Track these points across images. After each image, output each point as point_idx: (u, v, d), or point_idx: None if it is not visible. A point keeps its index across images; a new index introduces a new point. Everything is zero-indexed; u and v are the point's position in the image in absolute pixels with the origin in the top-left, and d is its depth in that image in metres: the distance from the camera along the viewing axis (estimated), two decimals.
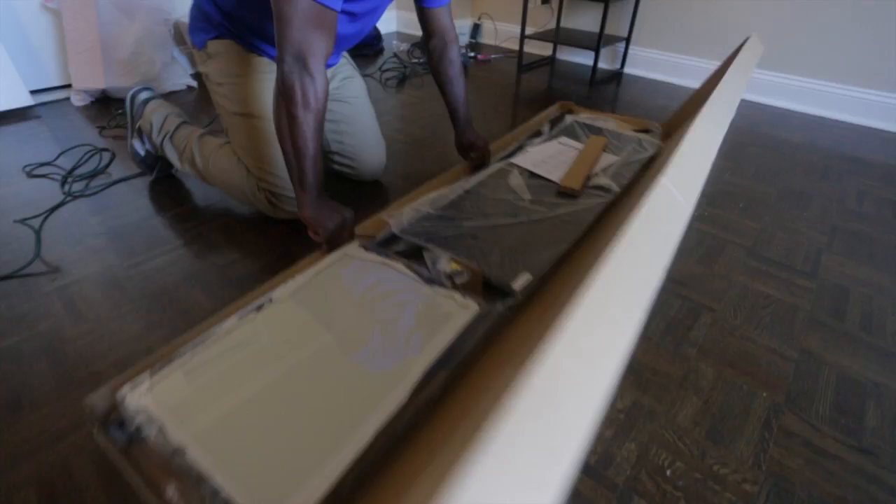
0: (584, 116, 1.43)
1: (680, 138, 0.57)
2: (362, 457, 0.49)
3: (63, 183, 1.23)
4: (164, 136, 1.13)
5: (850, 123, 1.69)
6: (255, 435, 0.51)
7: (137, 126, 1.19)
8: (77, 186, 1.22)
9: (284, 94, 0.74)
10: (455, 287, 0.72)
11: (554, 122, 1.42)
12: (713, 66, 1.96)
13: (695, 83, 2.04)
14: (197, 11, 0.98)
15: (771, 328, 0.82)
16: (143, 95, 1.20)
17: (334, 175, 1.24)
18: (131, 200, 1.17)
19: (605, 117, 1.43)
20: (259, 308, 0.67)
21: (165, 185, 1.24)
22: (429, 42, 1.05)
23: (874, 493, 0.58)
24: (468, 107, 1.09)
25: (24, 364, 0.74)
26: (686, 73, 2.05)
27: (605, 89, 2.00)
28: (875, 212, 1.16)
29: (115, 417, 0.52)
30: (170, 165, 1.24)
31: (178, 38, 2.01)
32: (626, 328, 0.35)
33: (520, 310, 0.69)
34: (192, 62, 2.10)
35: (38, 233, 1.04)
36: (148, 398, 0.53)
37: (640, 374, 0.73)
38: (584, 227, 0.89)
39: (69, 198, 1.17)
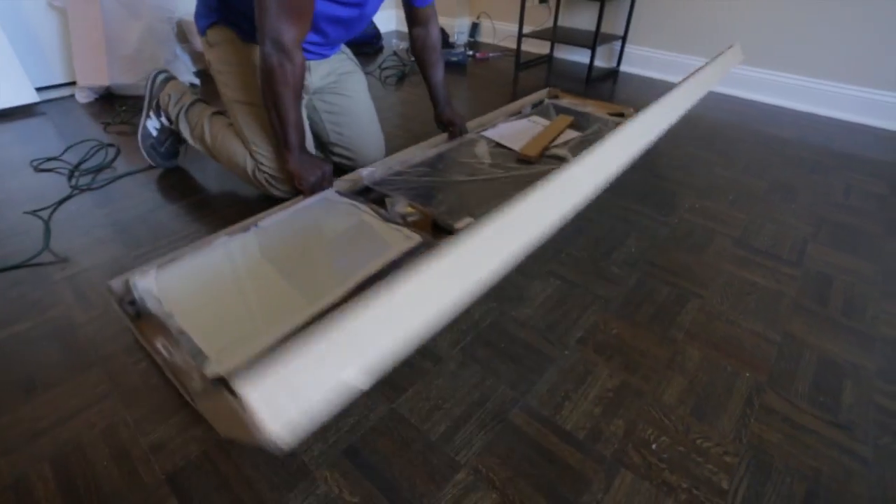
0: (565, 101, 1.54)
1: (611, 133, 0.71)
2: (296, 332, 0.67)
3: (70, 177, 1.26)
4: (181, 109, 1.18)
5: (840, 120, 1.72)
6: (223, 310, 0.71)
7: (156, 102, 1.23)
8: (84, 180, 1.25)
9: (266, 74, 0.87)
10: (406, 225, 0.88)
11: (536, 106, 1.52)
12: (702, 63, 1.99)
13: None
14: (200, 2, 1.04)
15: (756, 313, 0.85)
16: (164, 76, 1.25)
17: (334, 167, 1.27)
18: (137, 193, 1.20)
19: (584, 102, 1.53)
20: (246, 230, 0.88)
21: (171, 178, 1.27)
22: (412, 30, 1.16)
23: (847, 463, 0.61)
24: (447, 87, 1.23)
25: (37, 347, 0.77)
26: (681, 70, 2.08)
27: (601, 87, 2.03)
28: (861, 204, 1.19)
29: (128, 297, 0.74)
30: (180, 142, 1.29)
31: (181, 36, 2.04)
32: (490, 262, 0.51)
33: None
34: (195, 60, 2.13)
35: (47, 224, 1.06)
36: (153, 283, 0.75)
37: (628, 357, 0.76)
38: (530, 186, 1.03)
39: (76, 191, 1.20)
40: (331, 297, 0.72)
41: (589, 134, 1.29)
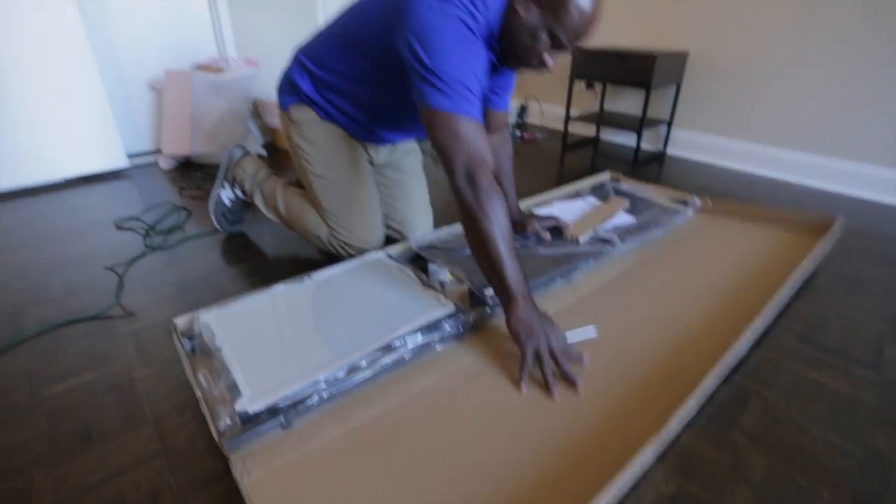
0: (626, 185, 1.56)
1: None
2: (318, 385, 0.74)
3: (145, 236, 1.37)
4: (256, 184, 1.29)
5: None
6: (266, 353, 0.80)
7: (231, 175, 1.34)
8: (157, 240, 1.36)
9: (466, 216, 0.80)
10: (444, 292, 0.95)
11: (596, 188, 1.55)
12: (756, 148, 1.99)
13: (737, 165, 2.07)
14: (287, 81, 1.12)
15: (829, 421, 0.78)
16: (239, 152, 1.37)
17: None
18: (202, 255, 1.28)
19: (645, 187, 1.54)
20: (301, 281, 1.00)
21: (233, 243, 1.36)
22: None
23: None
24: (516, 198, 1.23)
25: (98, 399, 0.80)
26: (729, 154, 2.09)
27: (648, 169, 2.05)
28: None
29: (188, 333, 0.85)
30: (245, 211, 1.39)
31: (255, 113, 2.26)
32: None
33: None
34: (264, 133, 2.34)
35: (121, 279, 1.15)
36: (213, 319, 0.87)
37: (685, 459, 0.71)
38: (569, 265, 1.07)
39: (149, 250, 1.30)
40: (355, 355, 0.79)
41: (643, 220, 1.30)
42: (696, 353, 0.87)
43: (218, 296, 1.10)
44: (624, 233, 1.22)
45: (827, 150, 1.82)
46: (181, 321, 0.86)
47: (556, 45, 0.86)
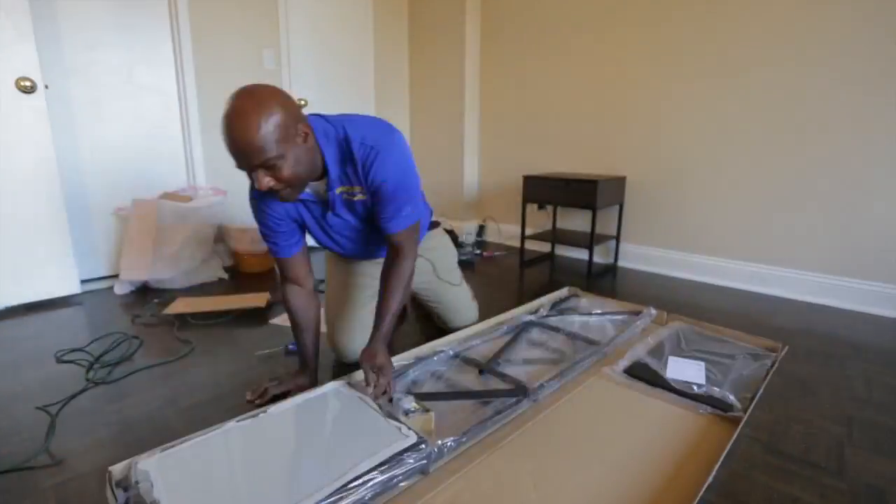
0: (585, 301, 1.65)
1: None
2: None
3: (88, 369, 1.29)
4: None
5: (844, 310, 1.77)
6: (214, 500, 0.72)
7: None
8: (101, 373, 1.27)
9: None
10: (405, 422, 0.90)
11: (556, 304, 1.62)
12: (697, 258, 2.16)
13: (684, 274, 2.22)
14: None
15: None
16: None
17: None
18: (149, 389, 1.20)
19: (603, 301, 1.63)
20: (255, 416, 0.93)
21: (185, 374, 1.29)
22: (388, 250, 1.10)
23: None
24: (392, 323, 1.05)
25: None
26: (675, 265, 2.25)
27: (602, 281, 2.17)
28: (888, 399, 1.15)
29: (124, 483, 0.75)
30: None
31: (218, 237, 2.30)
32: None
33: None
34: (229, 256, 2.36)
35: (53, 421, 1.05)
36: (153, 464, 0.78)
37: None
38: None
39: (91, 384, 1.21)
40: (324, 492, 0.73)
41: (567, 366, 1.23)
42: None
43: (163, 436, 1.01)
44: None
45: (763, 259, 2.00)
46: (118, 469, 0.78)
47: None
